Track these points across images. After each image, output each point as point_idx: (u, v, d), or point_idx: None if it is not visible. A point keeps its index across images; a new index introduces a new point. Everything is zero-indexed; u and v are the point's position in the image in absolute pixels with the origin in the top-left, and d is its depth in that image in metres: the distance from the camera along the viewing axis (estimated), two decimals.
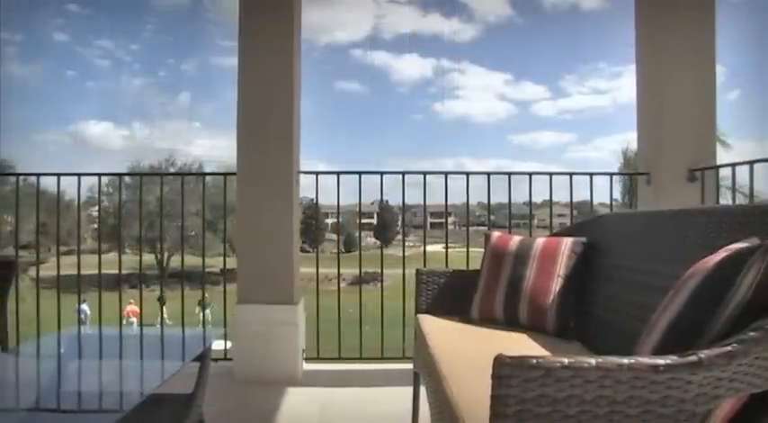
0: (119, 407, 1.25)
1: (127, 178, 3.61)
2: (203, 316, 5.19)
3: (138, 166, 30.98)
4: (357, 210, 3.33)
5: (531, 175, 3.28)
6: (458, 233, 4.29)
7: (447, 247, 3.37)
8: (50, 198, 3.53)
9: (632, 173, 3.44)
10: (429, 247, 3.64)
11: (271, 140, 3.03)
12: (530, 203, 3.46)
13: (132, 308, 10.38)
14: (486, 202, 3.41)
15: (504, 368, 0.83)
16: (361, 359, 3.23)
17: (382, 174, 3.23)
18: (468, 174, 3.27)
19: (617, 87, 57.06)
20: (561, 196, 3.52)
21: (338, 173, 3.22)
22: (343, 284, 3.40)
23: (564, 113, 59.83)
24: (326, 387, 2.91)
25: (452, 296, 2.26)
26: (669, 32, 3.22)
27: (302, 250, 3.59)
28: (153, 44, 53.02)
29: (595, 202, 3.44)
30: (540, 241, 2.12)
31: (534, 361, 0.83)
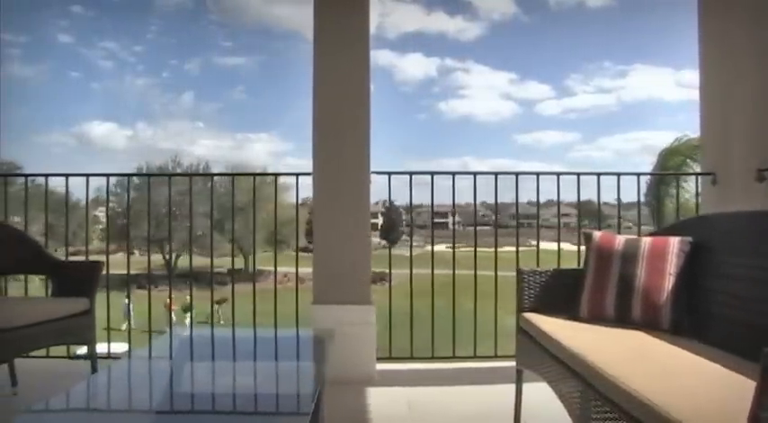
0: (301, 409, 1.26)
1: (134, 179, 3.61)
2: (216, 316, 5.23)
3: (147, 166, 30.97)
4: None
5: (538, 174, 3.30)
6: (460, 233, 4.28)
7: (454, 247, 3.38)
8: (56, 199, 3.49)
9: (697, 173, 3.45)
10: (434, 248, 3.63)
11: (345, 140, 3.05)
12: (537, 203, 3.46)
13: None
14: (488, 201, 3.43)
15: None
16: (433, 359, 3.25)
17: (390, 174, 3.24)
18: (475, 174, 3.27)
19: (621, 86, 56.99)
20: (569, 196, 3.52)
21: None
22: None
23: (568, 112, 59.71)
24: (404, 386, 2.91)
25: (555, 295, 2.27)
26: (736, 31, 3.22)
27: (307, 250, 3.62)
28: (156, 45, 53.02)
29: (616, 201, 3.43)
30: (646, 240, 2.14)
31: None
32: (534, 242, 3.52)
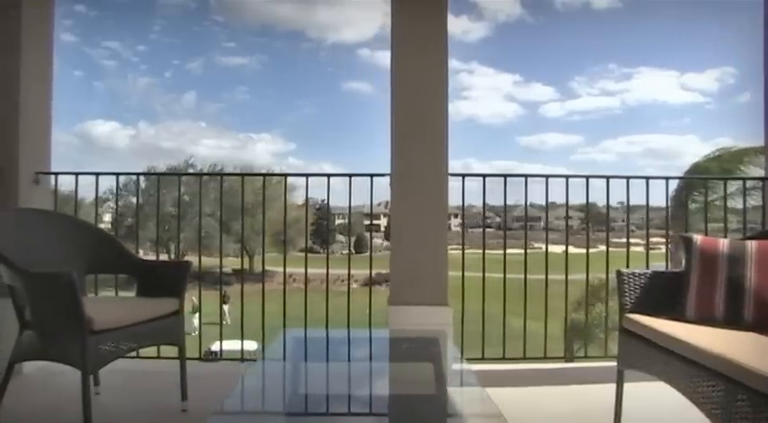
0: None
1: (136, 179, 3.62)
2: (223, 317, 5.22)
3: (149, 167, 30.93)
4: (365, 211, 3.24)
5: (547, 177, 3.32)
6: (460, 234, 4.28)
7: (463, 249, 3.38)
8: (60, 198, 3.49)
9: (762, 177, 3.47)
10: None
11: (424, 141, 3.07)
12: (546, 206, 3.47)
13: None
14: (489, 203, 3.45)
15: None
16: (504, 360, 3.27)
17: None
18: (484, 176, 3.28)
19: (626, 89, 56.68)
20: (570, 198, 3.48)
21: (350, 175, 3.25)
22: (355, 285, 3.45)
23: (572, 115, 59.31)
24: (482, 387, 2.92)
25: (653, 296, 2.29)
26: None
27: (312, 251, 3.63)
28: (159, 45, 52.98)
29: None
30: (752, 243, 2.16)
31: None
32: (536, 244, 3.54)
